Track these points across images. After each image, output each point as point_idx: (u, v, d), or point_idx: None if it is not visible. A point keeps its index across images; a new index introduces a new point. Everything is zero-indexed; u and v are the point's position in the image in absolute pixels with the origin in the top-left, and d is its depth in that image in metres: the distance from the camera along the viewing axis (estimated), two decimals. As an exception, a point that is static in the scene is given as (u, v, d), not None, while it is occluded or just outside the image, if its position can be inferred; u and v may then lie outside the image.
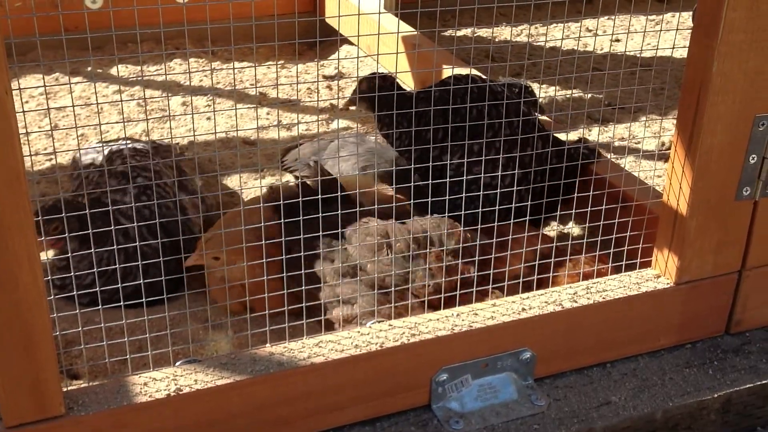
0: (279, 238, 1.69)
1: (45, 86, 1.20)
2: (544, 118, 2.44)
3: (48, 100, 3.07)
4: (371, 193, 2.07)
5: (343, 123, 3.07)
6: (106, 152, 2.24)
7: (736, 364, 1.82)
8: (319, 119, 3.09)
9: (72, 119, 2.95)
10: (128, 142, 2.36)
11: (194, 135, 1.37)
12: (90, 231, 1.43)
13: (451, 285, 1.77)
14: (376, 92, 2.20)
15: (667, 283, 1.78)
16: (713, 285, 1.81)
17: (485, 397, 1.67)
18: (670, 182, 1.72)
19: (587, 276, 1.83)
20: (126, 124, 2.90)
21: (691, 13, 1.61)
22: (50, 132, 1.44)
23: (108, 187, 2.06)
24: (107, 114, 3.05)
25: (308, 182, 2.01)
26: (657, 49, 1.73)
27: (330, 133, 2.88)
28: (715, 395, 1.74)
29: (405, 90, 2.31)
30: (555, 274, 1.86)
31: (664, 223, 1.76)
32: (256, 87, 3.17)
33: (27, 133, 1.22)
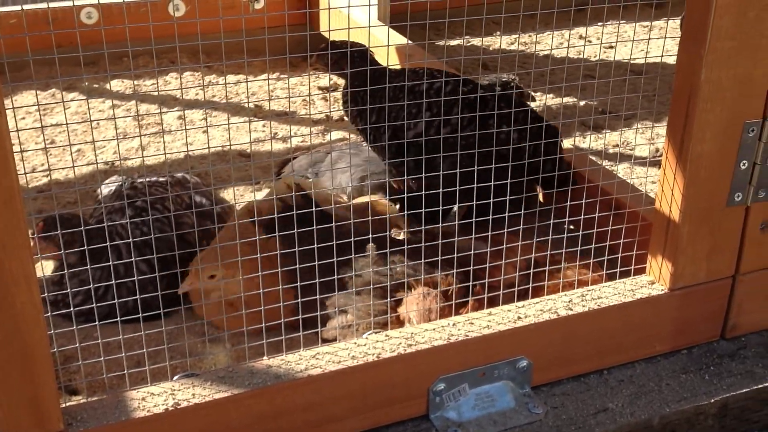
0: (273, 251, 1.70)
1: (39, 105, 1.22)
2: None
3: (45, 116, 3.09)
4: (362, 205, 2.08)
5: (339, 134, 3.08)
6: (125, 185, 2.27)
7: (732, 369, 1.82)
8: (313, 131, 3.11)
9: (68, 135, 2.96)
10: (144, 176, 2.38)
11: (188, 150, 1.38)
12: (85, 247, 1.44)
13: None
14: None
15: (662, 290, 1.79)
16: (707, 290, 1.82)
17: (483, 406, 1.68)
18: (662, 189, 1.73)
19: (570, 285, 1.83)
20: (122, 139, 2.91)
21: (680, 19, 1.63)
22: (46, 148, 1.45)
23: (118, 217, 2.08)
24: (104, 129, 3.06)
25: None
26: (647, 56, 1.74)
27: (326, 145, 2.90)
28: (712, 400, 1.75)
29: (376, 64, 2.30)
30: (536, 285, 1.86)
31: (657, 229, 1.77)
32: (248, 101, 3.18)
33: (21, 152, 1.23)
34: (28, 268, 1.25)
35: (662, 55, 1.76)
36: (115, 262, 1.82)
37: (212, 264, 1.90)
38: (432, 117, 2.15)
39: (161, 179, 2.35)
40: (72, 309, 1.50)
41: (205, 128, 2.95)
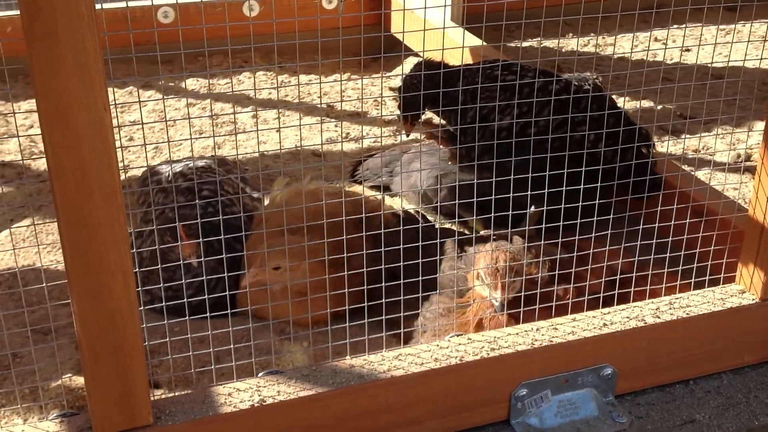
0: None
1: (140, 102, 1.23)
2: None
3: (122, 114, 3.15)
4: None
5: (412, 135, 3.07)
6: (174, 170, 2.27)
7: (824, 383, 1.77)
8: (385, 132, 3.10)
9: (144, 132, 3.01)
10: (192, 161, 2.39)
11: (271, 150, 1.39)
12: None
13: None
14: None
15: (752, 299, 1.74)
16: (800, 301, 1.76)
17: (565, 414, 1.65)
18: (756, 196, 1.68)
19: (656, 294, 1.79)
20: (197, 138, 2.95)
21: (762, 22, 1.58)
22: (142, 145, 1.47)
23: (175, 203, 2.09)
24: (180, 127, 3.10)
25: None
26: (728, 60, 1.69)
27: (399, 145, 2.89)
28: (803, 415, 1.70)
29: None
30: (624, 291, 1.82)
31: (750, 237, 1.72)
32: (322, 101, 3.20)
33: (122, 148, 1.25)
34: (126, 262, 1.27)
35: (744, 58, 1.71)
36: (230, 255, 1.83)
37: (277, 253, 1.87)
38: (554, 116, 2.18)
39: (201, 164, 2.32)
40: (164, 303, 1.51)
41: (278, 128, 2.97)
